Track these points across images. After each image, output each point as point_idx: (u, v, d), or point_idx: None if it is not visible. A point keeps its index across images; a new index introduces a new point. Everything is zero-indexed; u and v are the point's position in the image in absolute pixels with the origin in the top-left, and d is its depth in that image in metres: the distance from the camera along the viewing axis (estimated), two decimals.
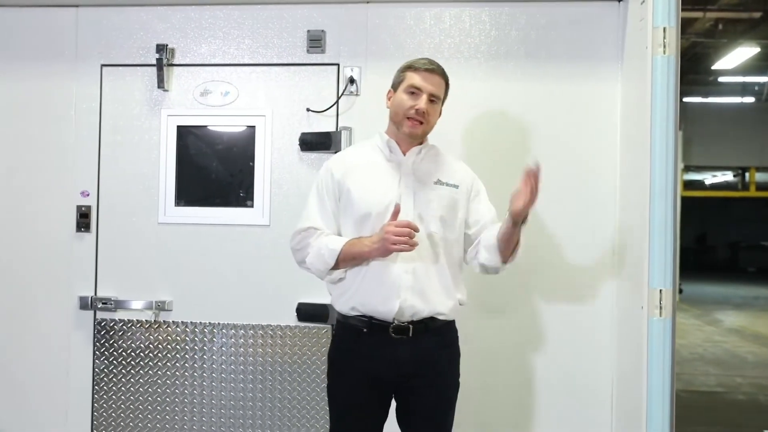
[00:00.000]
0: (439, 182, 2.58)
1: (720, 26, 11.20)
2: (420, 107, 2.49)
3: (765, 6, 10.29)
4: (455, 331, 2.64)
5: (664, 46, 2.65)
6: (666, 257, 2.65)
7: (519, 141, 3.19)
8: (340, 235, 2.57)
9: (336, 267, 2.49)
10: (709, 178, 19.62)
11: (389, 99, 2.60)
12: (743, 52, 11.63)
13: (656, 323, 2.65)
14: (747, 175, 17.85)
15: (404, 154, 2.58)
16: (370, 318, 2.49)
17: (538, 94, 3.19)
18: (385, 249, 2.38)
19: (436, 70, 2.55)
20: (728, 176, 18.86)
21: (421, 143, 2.60)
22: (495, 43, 3.20)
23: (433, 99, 2.53)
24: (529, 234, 3.13)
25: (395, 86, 2.58)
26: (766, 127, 16.01)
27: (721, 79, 14.40)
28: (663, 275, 2.65)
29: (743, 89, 15.80)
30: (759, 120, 15.97)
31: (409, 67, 2.56)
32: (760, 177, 17.79)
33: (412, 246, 2.35)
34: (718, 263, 21.20)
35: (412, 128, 2.52)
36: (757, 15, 10.58)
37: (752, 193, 17.85)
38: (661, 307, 2.64)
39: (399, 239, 2.33)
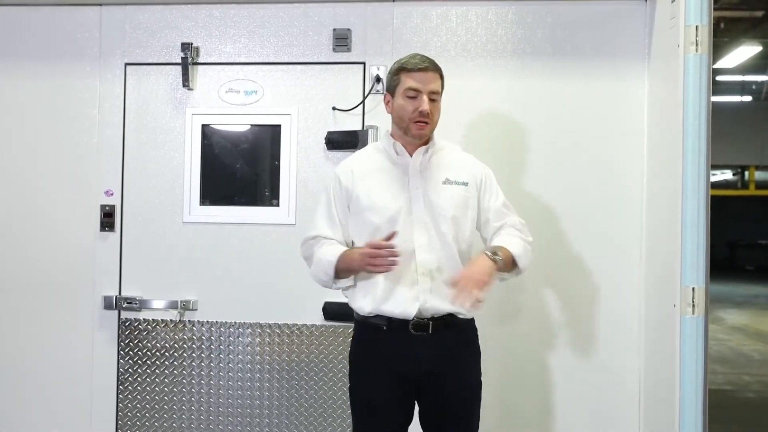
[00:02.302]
0: (447, 181, 2.55)
1: (722, 25, 11.22)
2: (423, 109, 2.47)
3: (766, 5, 10.31)
4: (475, 329, 2.63)
5: (697, 45, 2.65)
6: (699, 255, 2.65)
7: (545, 139, 3.19)
8: (352, 242, 2.57)
9: (338, 276, 2.50)
10: None
11: (387, 104, 2.58)
12: (744, 51, 11.66)
13: (689, 321, 2.65)
14: (746, 173, 17.91)
15: (410, 155, 2.56)
16: (390, 317, 2.48)
17: (564, 93, 3.19)
18: (363, 268, 2.40)
19: (430, 67, 2.50)
20: (727, 174, 18.91)
21: (426, 142, 2.57)
22: (521, 41, 3.20)
23: (433, 98, 2.50)
24: (555, 232, 3.18)
25: (391, 90, 2.55)
26: (766, 126, 16.06)
27: (720, 77, 14.42)
28: (696, 273, 2.65)
29: (742, 88, 15.84)
30: (759, 119, 16.02)
31: (402, 69, 2.51)
32: (759, 175, 17.86)
33: (388, 267, 2.35)
34: (716, 261, 21.21)
35: (419, 131, 2.50)
36: (758, 14, 10.60)
37: (752, 191, 17.91)
38: (693, 305, 2.65)
39: (372, 261, 2.35)
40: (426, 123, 2.49)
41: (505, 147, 3.17)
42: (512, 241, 2.53)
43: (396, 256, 2.35)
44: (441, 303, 2.47)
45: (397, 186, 2.52)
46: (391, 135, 2.60)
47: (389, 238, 2.36)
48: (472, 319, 2.60)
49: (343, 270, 2.48)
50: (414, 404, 2.58)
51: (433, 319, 2.48)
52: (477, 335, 2.64)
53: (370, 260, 2.36)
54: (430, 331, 2.48)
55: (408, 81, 2.48)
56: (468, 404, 2.57)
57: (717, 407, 5.79)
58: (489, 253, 2.44)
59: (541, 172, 3.19)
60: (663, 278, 2.86)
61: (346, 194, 2.55)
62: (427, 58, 2.53)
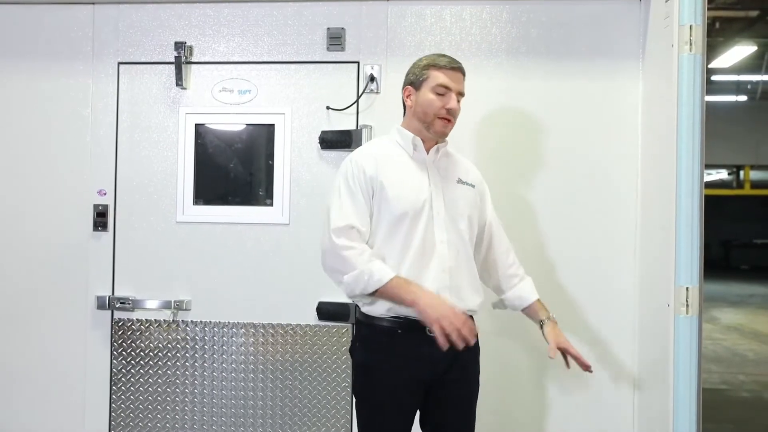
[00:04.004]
0: (460, 181, 2.58)
1: (717, 24, 11.23)
2: (452, 107, 2.48)
3: (762, 4, 10.32)
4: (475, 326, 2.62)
5: (691, 44, 2.65)
6: (693, 255, 2.65)
7: (539, 138, 3.18)
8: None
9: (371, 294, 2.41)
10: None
11: (408, 97, 2.56)
12: (739, 51, 11.68)
13: (683, 321, 2.65)
14: (741, 173, 17.94)
15: (426, 152, 2.56)
16: (406, 317, 2.44)
17: (558, 92, 3.18)
18: (432, 319, 2.30)
19: (460, 69, 2.54)
20: (723, 174, 18.94)
21: (436, 141, 2.57)
22: (516, 41, 3.19)
23: (458, 98, 2.52)
24: (548, 232, 3.17)
25: (416, 84, 2.53)
26: (761, 126, 16.08)
27: (715, 77, 14.44)
28: (690, 273, 2.65)
29: (737, 88, 15.86)
30: (754, 118, 16.04)
31: (433, 65, 2.51)
32: (754, 175, 17.89)
33: (455, 341, 2.29)
34: (711, 261, 21.26)
35: (444, 127, 2.51)
36: (753, 14, 10.61)
37: (747, 191, 17.95)
38: (687, 305, 2.65)
39: (450, 328, 2.28)
40: (450, 121, 2.51)
41: (499, 146, 3.17)
42: (533, 290, 2.75)
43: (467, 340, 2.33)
44: (457, 301, 2.45)
45: (419, 180, 2.50)
46: (407, 129, 2.57)
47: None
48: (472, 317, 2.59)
49: (384, 294, 2.38)
50: (420, 403, 2.55)
51: None
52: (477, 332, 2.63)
53: (448, 324, 2.28)
54: None
55: (439, 77, 2.49)
56: (469, 401, 2.58)
57: (712, 406, 5.81)
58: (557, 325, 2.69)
59: (534, 172, 3.19)
60: (657, 278, 2.86)
61: (371, 183, 2.46)
62: (457, 60, 2.55)
